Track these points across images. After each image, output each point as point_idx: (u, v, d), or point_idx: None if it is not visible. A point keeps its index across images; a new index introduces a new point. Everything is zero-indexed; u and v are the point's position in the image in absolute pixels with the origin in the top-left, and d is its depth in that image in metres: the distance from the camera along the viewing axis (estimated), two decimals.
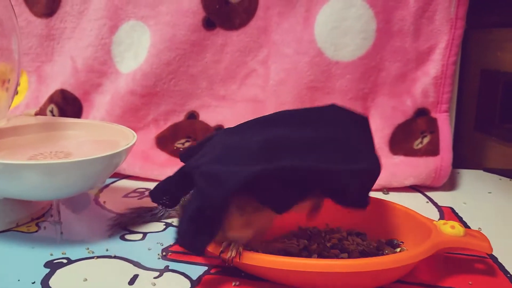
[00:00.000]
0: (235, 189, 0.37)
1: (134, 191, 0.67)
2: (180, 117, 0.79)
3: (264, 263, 0.40)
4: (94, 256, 0.47)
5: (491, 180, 0.72)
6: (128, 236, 0.52)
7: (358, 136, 0.41)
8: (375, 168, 0.40)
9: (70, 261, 0.47)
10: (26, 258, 0.47)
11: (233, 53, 0.77)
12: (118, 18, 0.79)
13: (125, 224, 0.54)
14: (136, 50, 0.79)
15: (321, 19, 0.71)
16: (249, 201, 0.40)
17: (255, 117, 0.43)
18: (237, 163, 0.38)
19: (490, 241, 0.44)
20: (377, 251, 0.47)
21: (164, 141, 0.77)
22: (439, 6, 0.71)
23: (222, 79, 0.77)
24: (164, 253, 0.48)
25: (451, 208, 0.61)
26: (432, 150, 0.67)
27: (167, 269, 0.45)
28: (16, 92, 0.65)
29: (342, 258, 0.45)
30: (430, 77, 0.71)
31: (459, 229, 0.44)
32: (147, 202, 0.58)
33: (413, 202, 0.62)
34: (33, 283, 0.42)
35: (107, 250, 0.49)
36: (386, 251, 0.47)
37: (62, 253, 0.48)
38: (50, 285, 0.42)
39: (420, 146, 0.70)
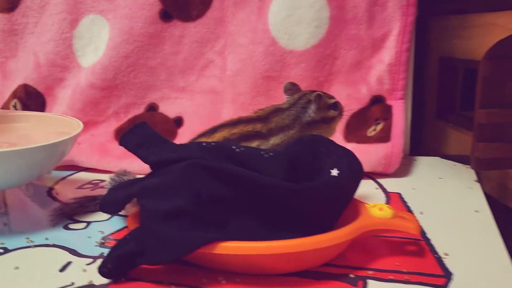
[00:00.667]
0: (182, 256, 0.39)
1: (89, 182, 0.67)
2: (140, 110, 0.79)
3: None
4: (31, 245, 0.48)
5: (446, 166, 0.72)
6: (71, 226, 0.53)
7: None
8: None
9: (6, 251, 0.47)
10: None
11: (191, 45, 0.77)
12: (78, 12, 0.79)
13: (69, 213, 0.54)
14: (96, 44, 0.79)
15: (275, 9, 0.71)
16: None
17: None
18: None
19: (418, 223, 0.44)
20: None
21: None
22: None
23: (181, 71, 0.78)
24: (102, 241, 0.49)
25: (399, 194, 0.61)
26: (384, 137, 0.68)
27: (101, 256, 0.46)
28: None
29: None
30: (384, 64, 0.71)
31: (387, 211, 0.44)
32: (99, 192, 0.58)
33: (363, 189, 0.61)
34: None
35: (46, 239, 0.49)
36: None
37: (0, 243, 0.48)
38: None
39: (373, 133, 0.70)
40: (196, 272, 0.41)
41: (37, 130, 0.66)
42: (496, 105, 0.58)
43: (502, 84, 0.58)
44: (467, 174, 0.67)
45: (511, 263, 0.43)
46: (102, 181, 0.67)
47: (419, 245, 0.46)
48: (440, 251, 0.45)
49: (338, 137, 0.70)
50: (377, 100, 0.72)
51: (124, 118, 0.79)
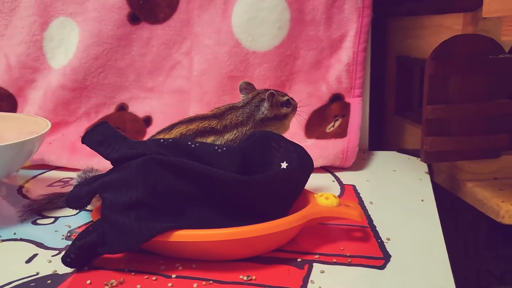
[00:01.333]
0: (140, 244, 0.41)
1: (60, 180, 0.70)
2: (110, 110, 0.82)
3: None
4: None
5: (400, 159, 0.76)
6: (40, 221, 0.55)
7: None
8: None
9: None
10: None
11: (159, 46, 0.80)
12: (48, 15, 0.81)
13: (37, 209, 0.56)
14: (66, 46, 0.81)
15: (238, 11, 0.75)
16: None
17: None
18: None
19: (361, 210, 0.48)
20: None
21: None
22: None
23: (149, 72, 0.80)
24: (68, 234, 0.51)
25: (353, 186, 0.65)
26: (341, 133, 0.71)
27: (66, 248, 0.48)
28: None
29: None
30: (342, 64, 0.75)
31: (332, 200, 0.47)
32: (69, 189, 0.61)
33: (320, 181, 0.66)
34: None
35: (14, 233, 0.51)
36: None
37: None
38: None
39: (331, 129, 0.73)
40: (155, 260, 0.44)
41: (8, 131, 0.68)
42: (441, 101, 0.62)
43: (446, 81, 0.62)
44: (419, 166, 0.71)
45: (445, 247, 0.46)
46: (72, 179, 0.69)
47: (365, 232, 0.50)
48: (383, 236, 0.49)
49: (299, 133, 0.74)
50: (336, 98, 0.76)
51: (95, 118, 0.81)
